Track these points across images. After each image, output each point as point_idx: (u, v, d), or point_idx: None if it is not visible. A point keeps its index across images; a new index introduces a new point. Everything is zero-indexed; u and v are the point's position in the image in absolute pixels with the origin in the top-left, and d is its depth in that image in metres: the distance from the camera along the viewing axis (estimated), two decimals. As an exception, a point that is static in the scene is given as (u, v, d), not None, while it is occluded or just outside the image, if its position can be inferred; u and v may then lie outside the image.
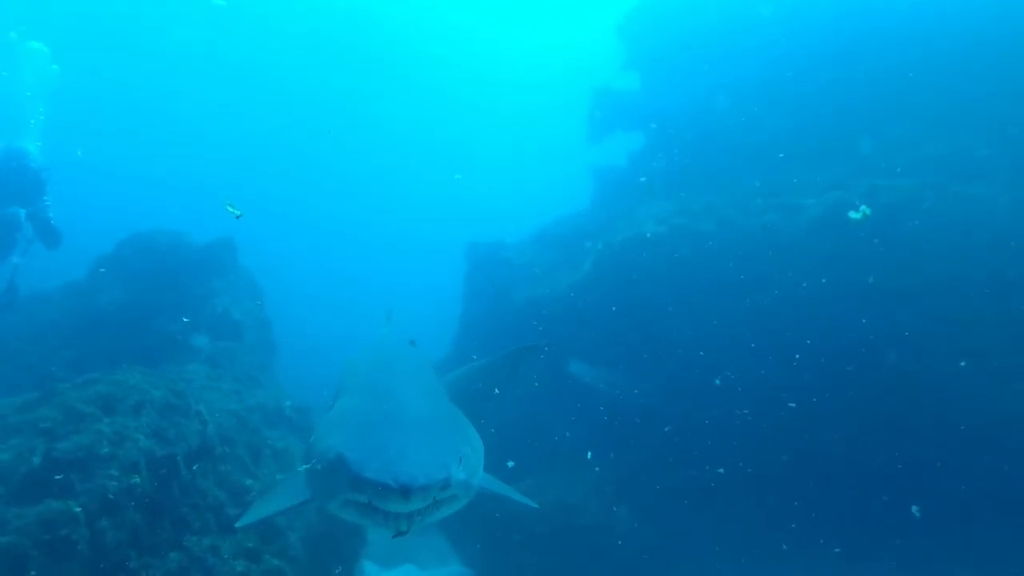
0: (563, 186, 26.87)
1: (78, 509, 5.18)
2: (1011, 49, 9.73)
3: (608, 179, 15.90)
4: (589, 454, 10.29)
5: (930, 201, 8.78)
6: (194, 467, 6.58)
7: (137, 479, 5.72)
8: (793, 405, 9.07)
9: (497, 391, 6.49)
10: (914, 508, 7.97)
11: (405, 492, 3.08)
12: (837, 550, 8.61)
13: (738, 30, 13.54)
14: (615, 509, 9.91)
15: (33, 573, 4.82)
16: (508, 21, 47.32)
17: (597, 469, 10.34)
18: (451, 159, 57.18)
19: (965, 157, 9.23)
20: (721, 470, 9.43)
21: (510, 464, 6.44)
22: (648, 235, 11.00)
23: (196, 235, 12.17)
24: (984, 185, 8.79)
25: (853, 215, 7.17)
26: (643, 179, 14.11)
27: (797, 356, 9.15)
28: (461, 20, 47.16)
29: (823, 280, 9.15)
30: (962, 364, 8.15)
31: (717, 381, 9.66)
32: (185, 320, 10.57)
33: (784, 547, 8.93)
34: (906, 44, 10.89)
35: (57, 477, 5.35)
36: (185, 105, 50.76)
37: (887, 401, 8.63)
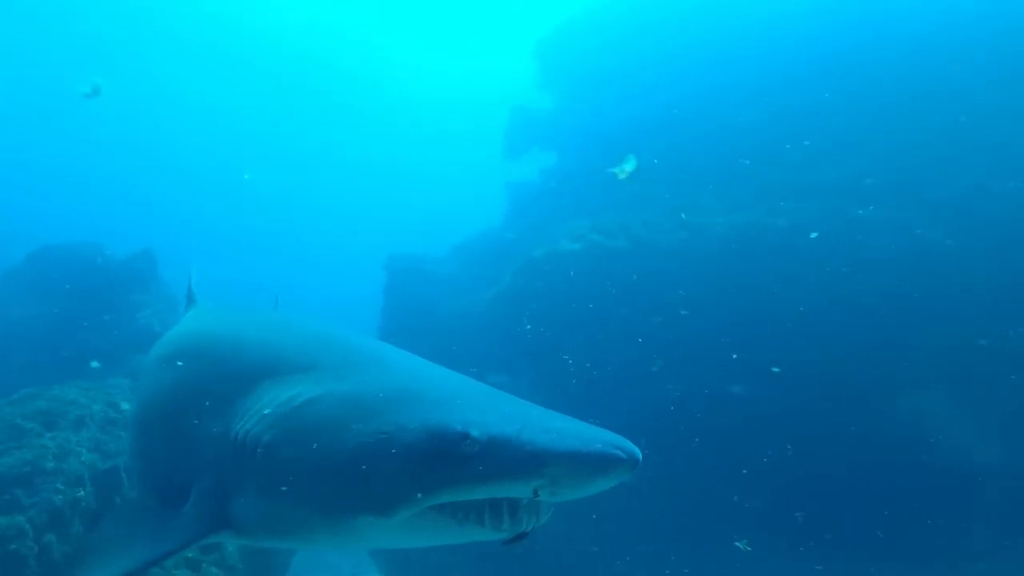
0: (476, 201, 27.34)
1: (27, 523, 5.24)
2: (901, 85, 10.77)
3: (522, 195, 16.36)
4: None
5: (825, 223, 9.61)
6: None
7: (82, 492, 5.80)
8: (700, 418, 9.55)
9: None
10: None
11: (634, 462, 2.42)
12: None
13: (646, 53, 14.30)
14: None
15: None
16: (427, 40, 47.95)
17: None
18: (372, 174, 57.52)
19: (856, 184, 10.13)
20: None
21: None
22: (565, 251, 11.51)
23: (115, 246, 11.91)
24: (872, 209, 9.70)
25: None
26: (557, 196, 14.65)
27: (711, 370, 9.69)
28: (379, 38, 47.49)
29: (731, 295, 9.82)
30: (852, 377, 8.81)
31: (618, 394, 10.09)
32: (105, 335, 10.42)
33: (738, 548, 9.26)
34: (805, 77, 11.83)
35: (2, 493, 5.39)
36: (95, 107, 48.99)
37: (796, 415, 9.12)
